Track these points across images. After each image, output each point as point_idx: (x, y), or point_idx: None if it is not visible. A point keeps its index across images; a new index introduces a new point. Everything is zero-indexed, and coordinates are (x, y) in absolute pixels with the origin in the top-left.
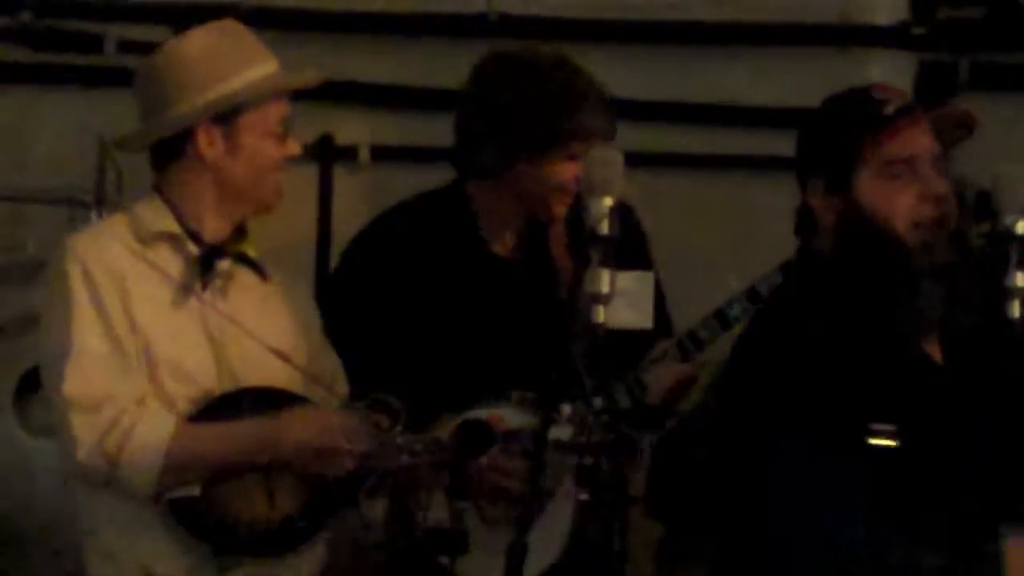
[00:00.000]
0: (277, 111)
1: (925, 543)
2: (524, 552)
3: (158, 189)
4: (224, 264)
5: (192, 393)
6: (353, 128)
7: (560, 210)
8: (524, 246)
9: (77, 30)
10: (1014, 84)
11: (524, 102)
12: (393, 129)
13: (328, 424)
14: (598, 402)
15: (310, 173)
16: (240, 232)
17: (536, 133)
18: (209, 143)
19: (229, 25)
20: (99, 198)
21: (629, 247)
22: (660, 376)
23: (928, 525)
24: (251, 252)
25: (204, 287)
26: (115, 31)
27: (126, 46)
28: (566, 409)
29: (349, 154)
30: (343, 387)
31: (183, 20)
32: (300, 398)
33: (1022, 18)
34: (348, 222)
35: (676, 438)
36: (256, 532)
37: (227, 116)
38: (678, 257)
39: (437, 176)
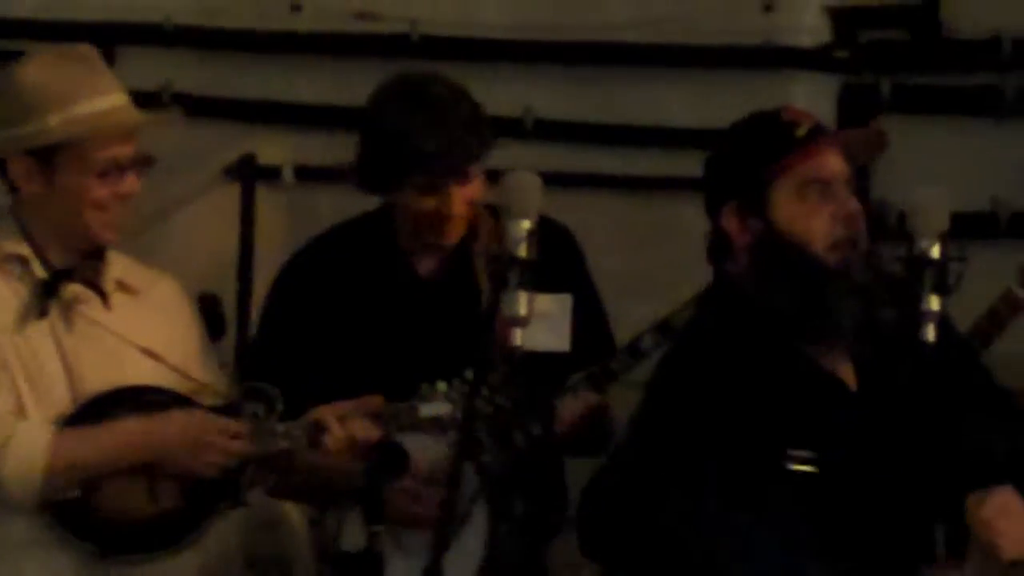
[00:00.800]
0: (107, 149)
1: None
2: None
3: (12, 210)
4: (74, 288)
5: (48, 410)
6: (276, 148)
7: (437, 237)
8: (447, 267)
9: None
10: (935, 106)
11: (388, 132)
12: (316, 149)
13: (203, 424)
14: (470, 375)
15: (233, 192)
16: (95, 255)
17: (388, 164)
18: (25, 177)
19: (79, 52)
20: None
21: (563, 270)
22: (570, 405)
23: (847, 552)
24: (113, 274)
25: (44, 312)
26: (36, 50)
27: None
28: (441, 385)
29: (272, 174)
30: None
31: (106, 38)
32: (176, 394)
33: (944, 40)
34: (271, 241)
35: (604, 476)
36: (140, 529)
37: (43, 152)
38: (605, 279)
39: (360, 197)
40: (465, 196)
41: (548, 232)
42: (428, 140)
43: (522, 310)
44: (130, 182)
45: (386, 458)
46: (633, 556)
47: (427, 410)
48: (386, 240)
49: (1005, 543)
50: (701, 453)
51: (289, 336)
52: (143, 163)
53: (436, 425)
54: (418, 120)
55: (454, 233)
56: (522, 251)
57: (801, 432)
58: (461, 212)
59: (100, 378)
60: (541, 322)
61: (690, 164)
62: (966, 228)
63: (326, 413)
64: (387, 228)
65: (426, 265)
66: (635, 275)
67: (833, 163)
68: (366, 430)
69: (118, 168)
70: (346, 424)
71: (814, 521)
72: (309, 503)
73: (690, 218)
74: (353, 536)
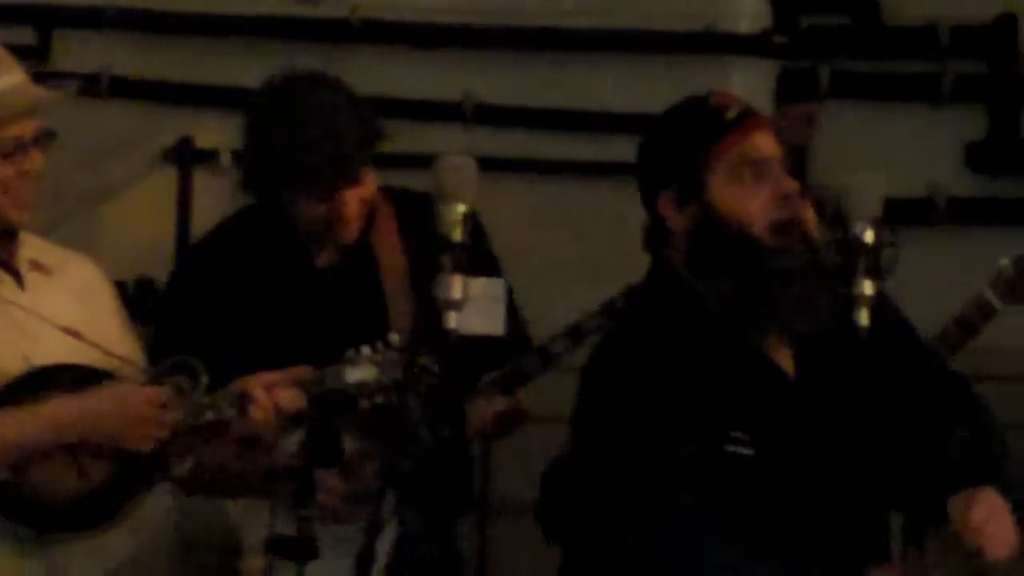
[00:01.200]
0: (9, 128)
1: (785, 560)
2: (372, 560)
3: None
4: None
5: None
6: (214, 131)
7: (334, 238)
8: (346, 259)
9: None
10: (874, 91)
11: (271, 147)
12: None
13: (136, 398)
14: (395, 338)
15: (170, 176)
16: (7, 236)
17: (274, 178)
18: None
19: None
20: None
21: (472, 253)
22: (480, 410)
23: (790, 541)
24: (26, 254)
25: None
26: None
27: None
28: (365, 350)
29: (209, 157)
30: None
31: (43, 21)
32: (99, 371)
33: (883, 26)
34: (207, 225)
35: (559, 467)
36: (71, 506)
37: None
38: (545, 264)
39: None
40: (357, 197)
41: None
42: (314, 155)
43: (456, 293)
44: (34, 158)
45: (321, 440)
46: (591, 541)
47: (353, 375)
48: (285, 230)
49: (992, 546)
50: (642, 440)
51: (189, 322)
52: (46, 138)
53: (362, 389)
54: (302, 135)
55: (349, 232)
56: (456, 235)
57: (738, 418)
58: (354, 212)
59: (17, 357)
60: (474, 305)
61: (630, 149)
62: (903, 213)
63: (252, 383)
64: (286, 218)
65: (324, 257)
66: (575, 260)
67: (765, 144)
68: (292, 400)
69: (21, 147)
70: (272, 394)
71: (756, 510)
72: (222, 495)
73: (631, 203)
74: (284, 523)
